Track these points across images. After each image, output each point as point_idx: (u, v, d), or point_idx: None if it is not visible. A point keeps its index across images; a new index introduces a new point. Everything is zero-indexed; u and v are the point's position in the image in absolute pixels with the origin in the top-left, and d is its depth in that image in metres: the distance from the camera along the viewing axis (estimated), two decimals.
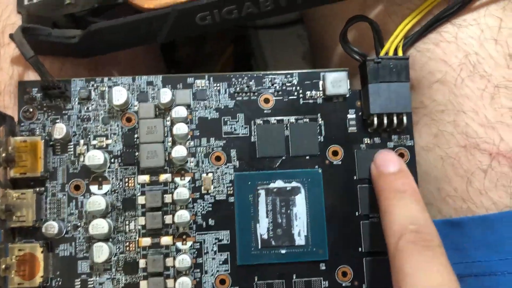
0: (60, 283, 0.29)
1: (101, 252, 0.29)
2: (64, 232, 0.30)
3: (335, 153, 0.31)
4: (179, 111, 0.30)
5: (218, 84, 0.31)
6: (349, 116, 0.31)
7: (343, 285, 0.30)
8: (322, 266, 0.30)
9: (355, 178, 0.31)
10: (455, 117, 0.30)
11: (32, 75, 0.32)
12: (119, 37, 0.30)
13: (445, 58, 0.31)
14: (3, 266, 0.28)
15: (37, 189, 0.29)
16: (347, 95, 0.31)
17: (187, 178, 0.30)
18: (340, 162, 0.31)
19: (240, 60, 0.66)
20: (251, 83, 0.31)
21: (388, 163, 0.29)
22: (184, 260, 0.29)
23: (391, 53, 0.31)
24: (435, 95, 0.31)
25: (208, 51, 0.67)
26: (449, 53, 0.31)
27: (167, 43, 0.62)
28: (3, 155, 0.29)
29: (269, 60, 0.61)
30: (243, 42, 0.65)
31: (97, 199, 0.29)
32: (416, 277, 0.23)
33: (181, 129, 0.30)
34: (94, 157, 0.29)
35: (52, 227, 0.29)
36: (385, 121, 0.30)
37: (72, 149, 0.30)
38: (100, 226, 0.29)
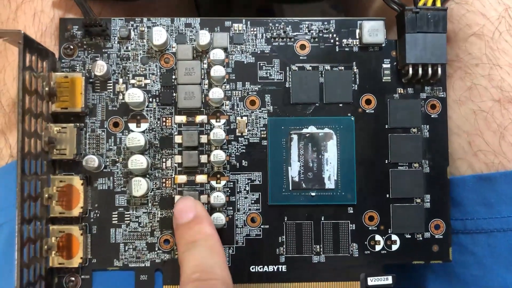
0: (98, 215, 0.30)
1: (139, 186, 0.30)
2: (103, 166, 0.31)
3: (368, 102, 0.32)
4: (217, 54, 0.31)
5: (255, 29, 0.32)
6: (384, 65, 0.32)
7: (370, 228, 0.31)
8: (350, 210, 0.31)
9: (386, 127, 0.32)
10: (490, 71, 0.31)
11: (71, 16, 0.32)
12: None
13: (484, 11, 0.31)
14: (46, 196, 0.29)
15: (77, 124, 0.30)
16: (383, 44, 0.32)
17: (222, 120, 0.31)
18: (372, 111, 0.32)
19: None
20: (288, 28, 0.32)
21: (181, 214, 0.28)
22: (218, 197, 0.30)
23: (429, 4, 0.31)
24: (470, 48, 0.31)
25: None
26: (488, 6, 0.31)
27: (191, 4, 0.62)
28: (46, 89, 0.29)
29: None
30: (268, 16, 0.65)
31: (136, 136, 0.30)
32: None
33: (218, 71, 0.31)
34: (134, 95, 0.30)
35: (92, 160, 0.30)
36: (420, 71, 0.31)
37: (111, 87, 0.31)
38: (139, 161, 0.30)
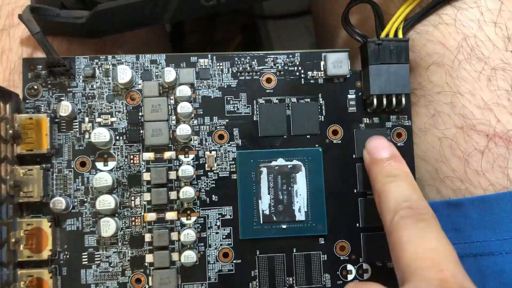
0: (67, 256, 0.30)
1: (108, 227, 0.30)
2: (71, 207, 0.30)
3: (335, 132, 0.32)
4: (183, 90, 0.31)
5: (221, 64, 0.32)
6: (349, 96, 0.32)
7: (341, 258, 0.31)
8: (321, 241, 0.31)
9: (354, 156, 0.32)
10: (452, 99, 0.31)
11: (40, 55, 0.32)
12: (125, 18, 0.30)
13: (443, 40, 0.32)
14: (13, 240, 0.29)
15: (44, 165, 0.30)
16: (348, 76, 0.32)
17: (191, 156, 0.31)
18: (340, 141, 0.32)
19: (249, 50, 0.66)
20: (253, 62, 0.32)
21: (379, 149, 0.30)
22: (189, 234, 0.30)
23: (391, 35, 0.32)
24: (432, 77, 0.32)
25: (216, 40, 0.67)
26: (447, 36, 0.32)
27: (175, 31, 0.62)
28: (10, 131, 0.29)
29: (277, 50, 0.62)
30: (252, 32, 0.66)
31: (103, 176, 0.30)
32: (413, 243, 0.25)
33: (185, 107, 0.31)
34: (100, 135, 0.30)
35: (59, 202, 0.29)
36: (384, 101, 0.31)
37: (77, 127, 0.31)
38: (107, 202, 0.30)
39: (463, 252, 0.30)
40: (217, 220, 0.31)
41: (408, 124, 0.32)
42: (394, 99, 0.31)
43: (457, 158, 0.31)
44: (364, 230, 0.32)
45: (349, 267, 0.31)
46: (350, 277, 0.31)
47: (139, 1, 0.29)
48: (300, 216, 0.31)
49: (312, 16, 0.52)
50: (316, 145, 0.32)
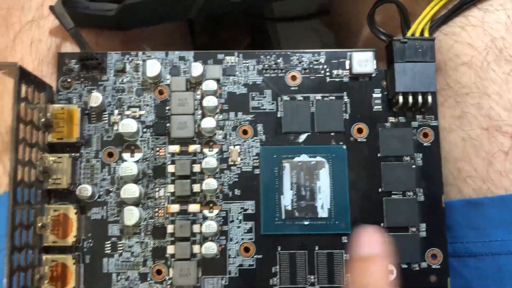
0: (91, 244, 0.31)
1: (131, 215, 0.30)
2: (97, 196, 0.31)
3: (359, 131, 0.32)
4: (209, 85, 0.31)
5: (247, 61, 0.33)
6: (374, 95, 0.32)
7: None
8: (344, 239, 0.31)
9: (378, 155, 0.32)
10: (479, 100, 0.31)
11: (69, 47, 0.33)
12: (153, 11, 0.31)
13: (471, 41, 0.31)
14: (39, 225, 0.29)
15: (73, 154, 0.31)
16: (373, 74, 0.32)
17: (215, 150, 0.32)
18: (364, 140, 0.32)
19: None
20: (279, 60, 0.33)
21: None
22: (210, 226, 0.30)
23: (417, 34, 0.32)
24: (460, 78, 0.32)
25: (224, 41, 0.68)
26: (475, 37, 0.31)
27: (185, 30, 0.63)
28: (42, 120, 0.30)
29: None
30: (260, 34, 0.66)
31: (129, 165, 0.30)
32: None
33: (210, 101, 0.31)
34: (128, 125, 0.31)
35: (85, 190, 0.30)
36: (410, 100, 0.31)
37: (106, 118, 0.32)
38: (131, 190, 0.30)
39: (482, 251, 0.30)
40: (239, 214, 0.31)
41: (435, 124, 0.32)
42: (420, 98, 0.31)
43: (480, 158, 0.31)
44: (389, 230, 0.31)
45: None
46: None
47: None
48: (323, 213, 0.31)
49: (333, 15, 0.52)
50: (341, 143, 0.32)
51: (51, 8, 0.31)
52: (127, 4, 0.30)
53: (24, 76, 0.28)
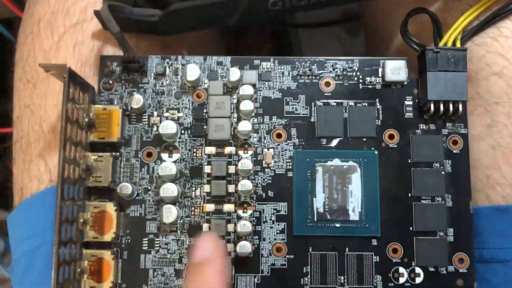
0: (129, 240, 0.32)
1: (169, 213, 0.31)
2: (136, 194, 0.32)
3: (391, 137, 0.33)
4: (246, 89, 0.33)
5: (282, 67, 0.34)
6: (406, 102, 0.33)
7: (394, 261, 0.32)
8: (374, 242, 0.32)
9: (409, 161, 0.32)
10: (510, 109, 0.32)
11: (110, 50, 0.35)
12: (195, 18, 0.33)
13: (503, 52, 0.32)
14: (81, 220, 0.31)
15: (113, 153, 0.32)
16: (405, 82, 0.33)
17: (250, 152, 0.33)
18: (395, 146, 0.33)
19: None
20: (313, 67, 0.33)
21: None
22: (245, 225, 0.31)
23: (449, 44, 0.32)
24: (491, 87, 0.33)
25: (247, 46, 0.69)
26: (507, 48, 0.32)
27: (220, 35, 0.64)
28: (86, 120, 0.31)
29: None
30: (282, 40, 0.67)
31: (168, 165, 0.31)
32: None
33: (247, 105, 0.32)
34: (167, 127, 0.32)
35: (126, 188, 0.31)
36: (441, 108, 0.32)
37: (146, 120, 0.33)
38: (170, 189, 0.31)
39: (509, 258, 0.30)
40: (272, 215, 0.32)
41: (464, 132, 0.33)
42: (451, 106, 0.32)
43: (509, 166, 0.31)
44: (418, 234, 0.32)
45: (401, 270, 0.32)
46: (401, 280, 0.31)
47: (211, 3, 0.31)
48: (354, 216, 0.32)
49: (364, 22, 0.53)
50: (372, 148, 0.33)
51: (97, 13, 0.32)
52: (171, 10, 0.31)
53: (71, 77, 0.29)
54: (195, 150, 0.33)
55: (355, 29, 0.61)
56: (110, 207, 0.31)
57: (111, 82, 0.33)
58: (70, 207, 0.29)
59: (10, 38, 0.88)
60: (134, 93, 0.33)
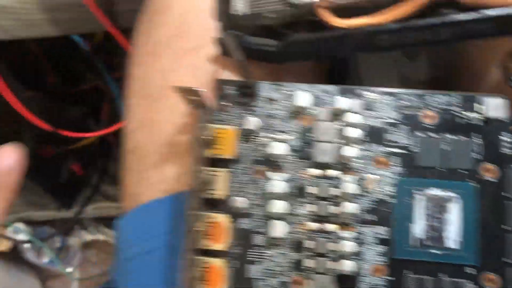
0: (239, 251, 0.34)
1: (277, 228, 0.34)
2: (247, 208, 0.35)
3: (489, 170, 0.34)
4: (352, 117, 0.35)
5: (386, 97, 0.36)
6: (504, 138, 0.35)
7: None
8: (472, 271, 0.33)
9: (505, 195, 0.34)
10: None
11: (225, 73, 0.38)
12: (310, 50, 0.35)
13: None
14: (197, 229, 0.33)
15: (228, 169, 0.35)
16: (505, 120, 0.35)
17: (352, 177, 0.35)
18: (493, 179, 0.34)
19: (333, 77, 0.69)
20: (416, 99, 0.36)
21: None
22: (346, 245, 0.33)
23: None
24: None
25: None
26: None
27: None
28: (206, 137, 0.34)
29: (364, 83, 0.64)
30: (340, 62, 0.68)
31: (277, 183, 0.34)
32: None
33: (353, 132, 0.35)
34: (277, 148, 0.35)
35: (240, 202, 0.34)
36: None
37: (257, 140, 0.36)
38: (279, 206, 0.34)
39: None
40: (372, 238, 0.34)
41: None
42: None
43: None
44: None
45: None
46: None
47: (327, 37, 0.34)
48: (451, 244, 0.33)
49: (457, 54, 0.55)
50: (470, 180, 0.34)
51: (221, 40, 0.35)
52: (290, 41, 0.34)
53: (200, 100, 0.32)
54: (300, 171, 0.35)
55: (415, 53, 0.62)
56: (224, 219, 0.34)
57: (226, 103, 0.36)
58: (191, 216, 0.32)
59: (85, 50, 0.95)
60: (248, 115, 0.36)
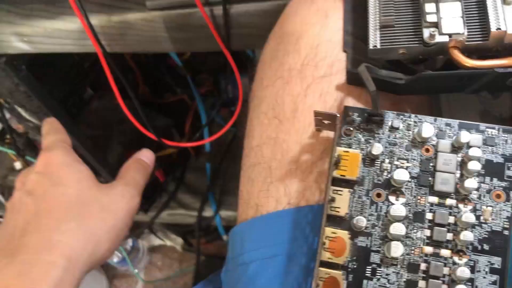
0: (355, 266, 0.37)
1: (396, 249, 0.36)
2: (365, 227, 0.37)
3: None
4: (473, 151, 0.37)
5: (506, 135, 0.38)
6: None
7: None
8: None
9: None
10: None
11: (350, 101, 0.41)
12: (436, 85, 0.38)
13: None
14: (320, 243, 0.36)
15: (350, 189, 0.38)
16: None
17: (469, 207, 0.37)
18: None
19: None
20: None
21: None
22: (462, 271, 0.35)
23: None
24: None
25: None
26: None
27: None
28: (334, 159, 0.38)
29: (444, 115, 0.65)
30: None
31: (399, 208, 0.37)
32: None
33: (473, 165, 0.37)
34: (401, 174, 0.37)
35: (362, 221, 0.37)
36: None
37: (379, 165, 0.38)
38: (399, 228, 0.36)
39: None
40: (486, 267, 0.36)
41: None
42: None
43: None
44: None
45: None
46: None
47: (455, 75, 0.36)
48: None
49: None
50: None
51: (350, 70, 0.39)
52: (420, 77, 0.37)
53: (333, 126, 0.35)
54: (419, 197, 0.38)
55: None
56: (344, 235, 0.37)
57: (351, 129, 0.39)
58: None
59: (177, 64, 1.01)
60: (373, 141, 0.39)
